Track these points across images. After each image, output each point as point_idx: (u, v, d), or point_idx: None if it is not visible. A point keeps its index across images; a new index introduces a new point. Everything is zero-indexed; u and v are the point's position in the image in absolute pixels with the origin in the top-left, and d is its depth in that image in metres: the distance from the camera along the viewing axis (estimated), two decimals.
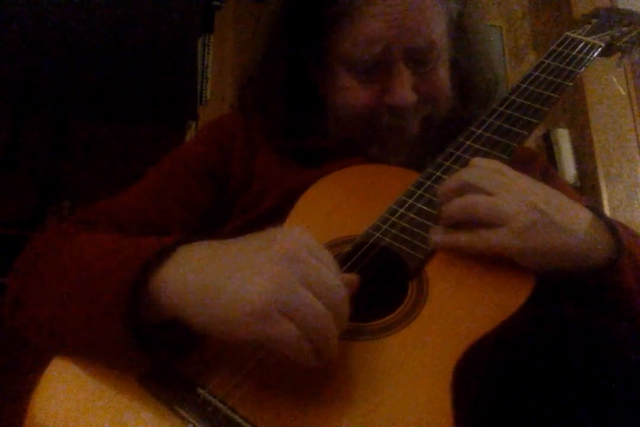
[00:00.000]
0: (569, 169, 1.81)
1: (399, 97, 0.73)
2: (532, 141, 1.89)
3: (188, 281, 0.50)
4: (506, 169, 0.62)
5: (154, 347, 0.52)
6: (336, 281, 0.49)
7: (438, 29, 0.75)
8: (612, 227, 0.60)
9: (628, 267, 0.59)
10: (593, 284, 0.59)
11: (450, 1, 0.77)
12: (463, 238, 0.59)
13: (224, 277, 0.48)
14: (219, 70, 1.88)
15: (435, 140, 0.78)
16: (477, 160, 0.63)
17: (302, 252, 0.49)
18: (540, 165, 0.89)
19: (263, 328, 0.46)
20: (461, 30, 0.81)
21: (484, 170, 0.61)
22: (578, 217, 0.59)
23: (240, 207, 0.78)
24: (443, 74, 0.78)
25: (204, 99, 1.93)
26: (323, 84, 0.81)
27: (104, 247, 0.60)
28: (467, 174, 0.61)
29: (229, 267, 0.49)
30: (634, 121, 1.87)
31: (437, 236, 0.61)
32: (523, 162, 0.81)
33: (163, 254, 0.53)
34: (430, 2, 0.73)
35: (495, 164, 0.62)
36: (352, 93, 0.76)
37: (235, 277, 0.48)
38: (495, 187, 0.59)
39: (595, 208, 0.63)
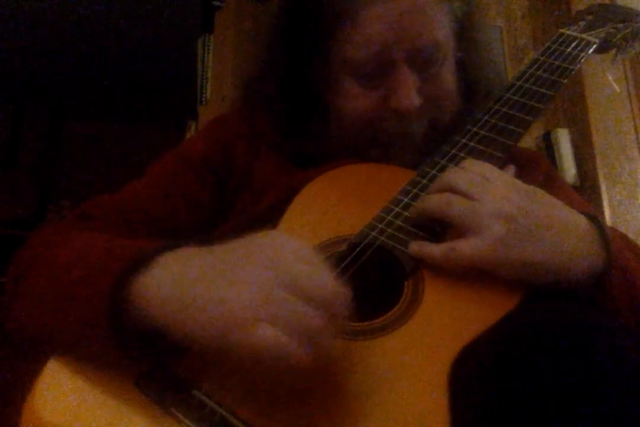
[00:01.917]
0: (569, 169, 1.81)
1: (403, 100, 0.72)
2: (532, 141, 1.88)
3: (167, 289, 0.49)
4: (494, 174, 0.61)
5: (142, 351, 0.52)
6: (326, 282, 0.47)
7: (442, 29, 0.73)
8: (607, 240, 0.58)
9: (617, 282, 0.58)
10: (581, 295, 0.58)
11: (454, 1, 0.76)
12: (437, 250, 0.58)
13: (205, 286, 0.47)
14: (219, 70, 1.88)
15: (439, 143, 0.77)
16: (467, 163, 0.63)
17: (287, 257, 0.48)
18: (545, 169, 0.88)
19: (243, 336, 0.44)
20: (466, 29, 0.80)
21: (470, 174, 0.60)
22: (564, 229, 0.58)
23: (239, 206, 0.78)
24: (449, 75, 0.76)
25: (204, 99, 1.93)
26: (326, 89, 0.80)
27: (95, 246, 0.60)
28: (451, 176, 0.61)
29: (211, 276, 0.48)
30: (634, 121, 1.87)
31: (414, 245, 0.60)
32: (527, 165, 0.81)
33: (141, 262, 0.51)
34: (432, 3, 0.72)
35: (483, 168, 0.61)
36: (356, 99, 0.75)
37: (216, 285, 0.47)
38: (475, 192, 0.58)
39: (595, 218, 0.61)
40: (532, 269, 0.56)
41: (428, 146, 0.77)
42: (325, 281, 0.48)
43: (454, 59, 0.78)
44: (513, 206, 0.57)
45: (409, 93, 0.72)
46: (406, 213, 0.64)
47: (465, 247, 0.56)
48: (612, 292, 0.58)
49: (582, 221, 0.60)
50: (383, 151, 0.77)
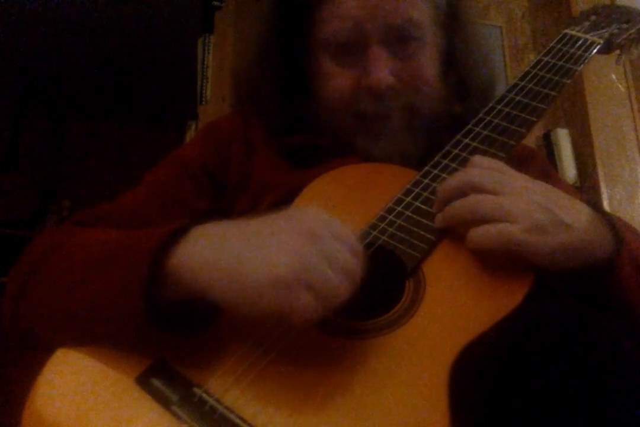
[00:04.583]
0: (569, 169, 1.81)
1: (374, 77, 0.73)
2: (532, 141, 1.88)
3: (211, 254, 0.51)
4: (506, 168, 0.62)
5: (169, 327, 0.53)
6: (350, 258, 0.51)
7: (417, 9, 0.74)
8: (611, 223, 0.60)
9: (627, 263, 0.59)
10: (592, 281, 0.59)
11: None
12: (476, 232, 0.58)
13: (248, 250, 0.50)
14: (219, 70, 1.88)
15: (427, 134, 0.78)
16: (478, 159, 0.63)
17: (321, 229, 0.51)
18: (540, 164, 0.88)
19: (284, 297, 0.47)
20: (454, 20, 0.81)
21: (486, 169, 0.61)
22: (579, 213, 0.59)
23: (238, 209, 0.78)
24: (427, 60, 0.77)
25: (204, 99, 1.93)
26: (311, 74, 0.81)
27: (115, 233, 0.61)
28: (468, 174, 0.61)
29: (252, 242, 0.51)
30: (634, 121, 1.87)
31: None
32: (522, 161, 0.81)
33: (179, 233, 0.54)
34: None
35: (495, 163, 0.62)
36: (332, 78, 0.76)
37: (258, 250, 0.50)
38: (499, 187, 0.58)
39: (594, 203, 0.63)
40: (563, 254, 0.56)
41: (411, 134, 0.77)
42: (353, 250, 0.52)
43: (439, 47, 0.79)
44: (537, 195, 0.58)
45: (379, 70, 0.73)
46: (408, 213, 0.64)
47: (505, 231, 0.56)
48: (622, 272, 0.59)
49: (586, 207, 0.61)
50: (365, 137, 0.77)
